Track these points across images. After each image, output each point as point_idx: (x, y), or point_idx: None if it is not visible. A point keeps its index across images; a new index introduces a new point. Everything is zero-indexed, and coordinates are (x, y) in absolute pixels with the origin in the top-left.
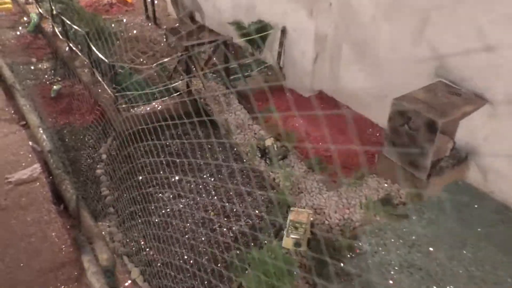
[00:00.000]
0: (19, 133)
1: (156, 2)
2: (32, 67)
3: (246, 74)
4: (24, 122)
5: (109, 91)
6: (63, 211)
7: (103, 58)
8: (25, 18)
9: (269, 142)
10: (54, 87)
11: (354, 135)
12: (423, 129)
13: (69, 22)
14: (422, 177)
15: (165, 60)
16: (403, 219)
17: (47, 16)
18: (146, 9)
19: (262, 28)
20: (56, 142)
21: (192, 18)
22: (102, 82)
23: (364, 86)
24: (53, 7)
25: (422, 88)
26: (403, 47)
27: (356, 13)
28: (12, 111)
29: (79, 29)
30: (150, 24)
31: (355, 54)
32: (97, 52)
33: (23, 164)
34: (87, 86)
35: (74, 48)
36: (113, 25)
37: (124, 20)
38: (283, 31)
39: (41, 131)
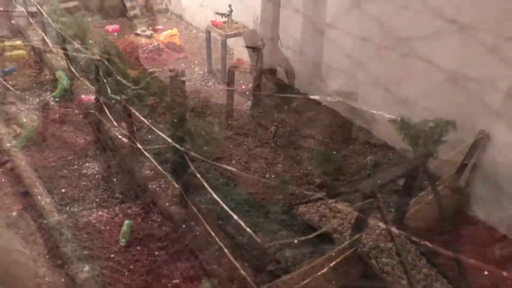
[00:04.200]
0: None
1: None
2: (75, 172)
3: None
4: None
5: (240, 269)
6: None
7: (251, 232)
8: (47, 74)
9: None
10: (124, 226)
11: None
12: None
13: (146, 122)
14: None
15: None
16: None
17: (81, 78)
18: (210, 60)
19: (435, 128)
20: None
21: (271, 72)
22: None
23: None
24: (104, 80)
25: None
26: None
27: None
28: (62, 279)
29: (171, 141)
30: (215, 82)
31: None
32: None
33: None
34: (173, 219)
35: (140, 147)
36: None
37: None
38: (481, 139)
39: None
